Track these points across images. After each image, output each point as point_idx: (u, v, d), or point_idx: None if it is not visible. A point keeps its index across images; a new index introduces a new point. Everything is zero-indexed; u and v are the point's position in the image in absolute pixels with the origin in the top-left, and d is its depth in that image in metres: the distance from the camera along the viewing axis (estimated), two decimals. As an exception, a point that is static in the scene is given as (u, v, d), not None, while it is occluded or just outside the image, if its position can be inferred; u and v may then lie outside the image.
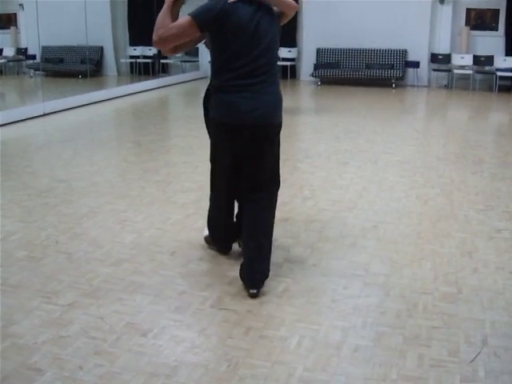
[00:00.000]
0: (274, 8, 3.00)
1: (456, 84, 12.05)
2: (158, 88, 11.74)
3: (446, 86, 12.25)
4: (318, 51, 12.94)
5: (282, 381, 2.28)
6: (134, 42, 13.07)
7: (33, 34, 9.88)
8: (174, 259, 3.42)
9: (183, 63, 13.67)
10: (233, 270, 3.22)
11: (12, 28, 12.08)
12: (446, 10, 12.03)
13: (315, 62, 12.89)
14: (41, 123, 7.99)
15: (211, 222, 3.45)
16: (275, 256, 3.31)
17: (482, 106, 10.34)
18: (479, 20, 12.16)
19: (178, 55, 12.43)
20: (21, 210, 4.28)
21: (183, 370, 2.34)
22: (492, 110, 10.17)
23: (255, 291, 2.95)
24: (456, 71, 11.88)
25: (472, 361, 2.42)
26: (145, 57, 12.99)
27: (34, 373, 2.31)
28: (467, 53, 11.97)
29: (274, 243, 3.28)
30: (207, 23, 2.85)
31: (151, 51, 12.65)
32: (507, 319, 2.76)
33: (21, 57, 12.16)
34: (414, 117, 9.48)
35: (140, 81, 12.35)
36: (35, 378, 2.28)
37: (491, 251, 3.58)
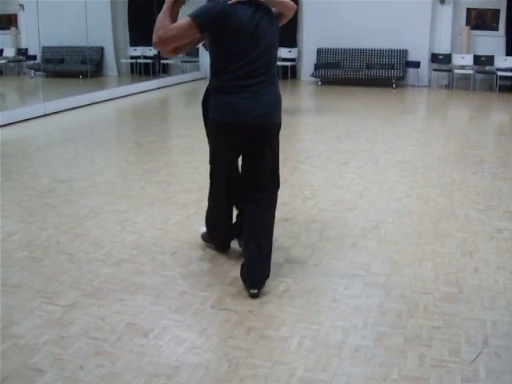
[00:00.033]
0: (273, 9, 3.00)
1: (456, 84, 12.04)
2: (159, 88, 11.75)
3: (447, 86, 12.25)
4: (319, 51, 12.94)
5: (283, 381, 2.28)
6: (135, 42, 13.08)
7: (33, 35, 9.88)
8: (174, 259, 3.42)
9: (184, 63, 13.68)
10: (233, 270, 3.22)
11: (12, 28, 12.08)
12: (447, 10, 12.03)
13: (315, 62, 12.89)
14: (41, 123, 8.00)
15: (210, 221, 3.46)
16: (276, 256, 3.31)
17: (483, 105, 10.33)
18: (480, 20, 12.16)
19: (179, 55, 12.43)
20: (21, 210, 4.28)
21: (184, 370, 2.34)
22: (492, 109, 10.17)
23: (256, 291, 2.95)
24: (456, 71, 11.88)
25: (473, 361, 2.42)
26: (145, 57, 12.99)
27: (35, 373, 2.31)
28: (468, 53, 11.97)
29: (275, 243, 3.28)
30: (207, 24, 2.85)
31: (152, 51, 12.63)
32: (508, 319, 2.76)
33: (21, 57, 12.16)
34: (414, 117, 9.47)
35: (140, 81, 12.35)
36: (36, 378, 2.28)
37: (492, 251, 3.58)
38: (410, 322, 2.73)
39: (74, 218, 4.09)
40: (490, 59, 11.64)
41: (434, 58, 12.20)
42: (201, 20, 2.84)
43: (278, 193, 3.22)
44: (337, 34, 12.60)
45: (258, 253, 3.02)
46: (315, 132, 7.61)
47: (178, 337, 2.59)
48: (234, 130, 2.98)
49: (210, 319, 2.74)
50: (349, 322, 2.72)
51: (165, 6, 2.94)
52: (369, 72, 12.25)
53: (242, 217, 3.22)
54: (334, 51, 12.83)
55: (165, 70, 13.37)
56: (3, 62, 12.16)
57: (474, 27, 12.17)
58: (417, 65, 12.24)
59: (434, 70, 12.30)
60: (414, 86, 12.44)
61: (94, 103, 9.57)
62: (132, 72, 13.39)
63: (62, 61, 12.51)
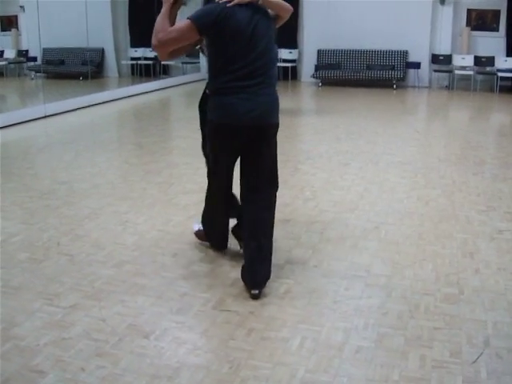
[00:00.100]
0: (269, 11, 3.02)
1: (457, 85, 12.04)
2: (159, 90, 11.76)
3: (447, 87, 12.25)
4: (319, 52, 12.95)
5: (284, 382, 2.28)
6: (135, 43, 13.09)
7: (34, 36, 9.89)
8: (175, 261, 3.42)
9: (184, 65, 13.69)
10: (234, 271, 3.22)
11: (13, 30, 12.08)
12: (447, 11, 12.03)
13: (316, 64, 12.91)
14: (42, 125, 8.00)
15: (206, 221, 3.47)
16: (276, 257, 3.31)
17: (483, 106, 10.33)
18: (480, 21, 12.17)
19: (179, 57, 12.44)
20: (22, 211, 4.29)
21: (185, 371, 2.34)
22: (493, 110, 10.17)
23: (257, 292, 2.95)
24: (457, 72, 11.88)
25: (474, 362, 2.42)
26: (146, 58, 13.00)
27: (36, 375, 2.31)
28: (468, 53, 11.98)
29: (275, 244, 3.28)
30: (206, 27, 2.86)
31: (152, 53, 12.64)
32: (509, 320, 2.76)
33: (22, 59, 12.16)
34: (415, 118, 9.48)
35: (141, 82, 12.37)
36: (37, 380, 2.28)
37: (493, 252, 3.58)
38: (411, 323, 2.73)
39: (74, 220, 4.10)
40: (490, 60, 11.64)
41: (435, 58, 12.21)
42: (200, 23, 2.85)
43: (279, 194, 3.22)
44: (337, 35, 12.61)
45: (258, 253, 3.02)
46: (316, 133, 7.61)
47: (179, 338, 2.59)
48: (232, 131, 2.99)
49: (210, 320, 2.75)
50: (350, 323, 2.72)
51: (164, 9, 2.95)
52: (369, 73, 12.26)
53: (242, 217, 3.22)
54: (334, 52, 12.85)
55: (165, 72, 13.39)
56: (4, 63, 12.17)
57: (475, 28, 12.17)
58: (417, 66, 12.24)
59: (435, 70, 12.30)
60: (414, 86, 12.45)
61: (94, 105, 9.58)
62: (132, 73, 13.40)
63: (62, 62, 12.52)
